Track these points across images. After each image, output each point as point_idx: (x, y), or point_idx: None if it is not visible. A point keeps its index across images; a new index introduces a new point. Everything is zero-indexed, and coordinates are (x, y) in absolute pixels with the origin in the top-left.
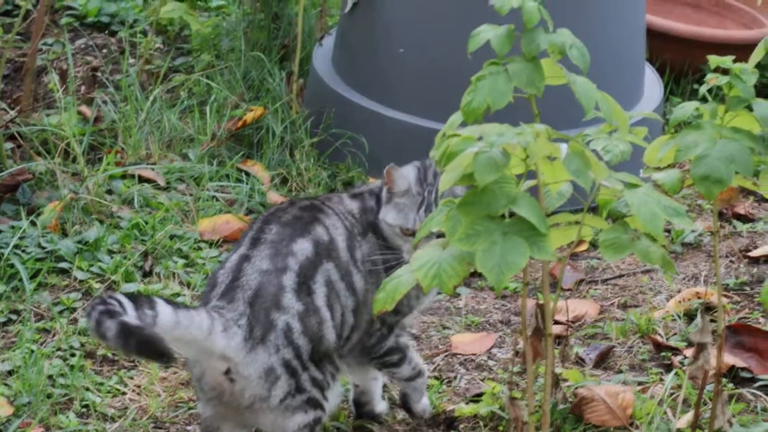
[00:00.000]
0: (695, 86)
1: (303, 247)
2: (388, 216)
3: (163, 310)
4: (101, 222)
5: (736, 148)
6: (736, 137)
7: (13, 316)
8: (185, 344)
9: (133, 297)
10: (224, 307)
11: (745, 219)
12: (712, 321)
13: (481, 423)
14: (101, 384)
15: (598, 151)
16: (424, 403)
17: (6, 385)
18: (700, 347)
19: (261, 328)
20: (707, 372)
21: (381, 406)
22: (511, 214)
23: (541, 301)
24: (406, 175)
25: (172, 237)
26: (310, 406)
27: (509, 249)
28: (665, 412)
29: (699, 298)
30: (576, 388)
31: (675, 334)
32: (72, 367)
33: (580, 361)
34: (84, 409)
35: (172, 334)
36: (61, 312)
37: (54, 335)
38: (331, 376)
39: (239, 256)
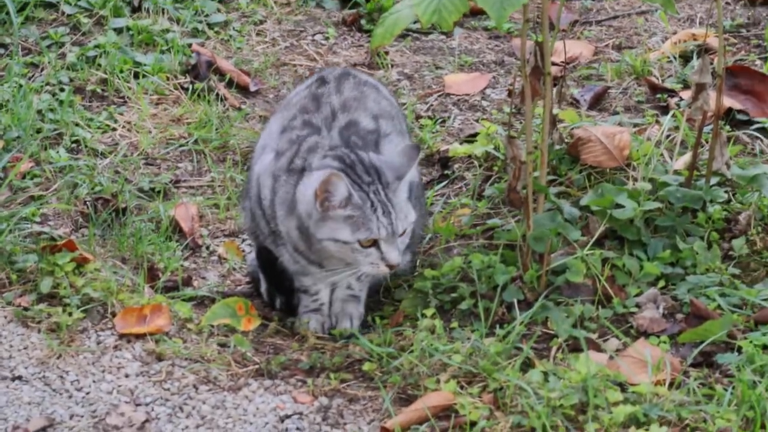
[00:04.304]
0: None
1: None
2: (340, 233)
3: None
4: None
5: None
6: None
7: (0, 50)
8: None
9: None
10: None
11: None
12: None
13: (476, 163)
14: (91, 120)
15: None
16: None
17: None
18: (699, 87)
19: None
20: (706, 113)
21: None
22: None
23: (539, 41)
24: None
25: None
26: None
27: None
28: (662, 154)
29: (695, 39)
30: (572, 128)
31: (671, 75)
32: (61, 102)
33: (575, 102)
34: (74, 145)
35: None
36: (49, 46)
37: (42, 70)
38: None
39: None
